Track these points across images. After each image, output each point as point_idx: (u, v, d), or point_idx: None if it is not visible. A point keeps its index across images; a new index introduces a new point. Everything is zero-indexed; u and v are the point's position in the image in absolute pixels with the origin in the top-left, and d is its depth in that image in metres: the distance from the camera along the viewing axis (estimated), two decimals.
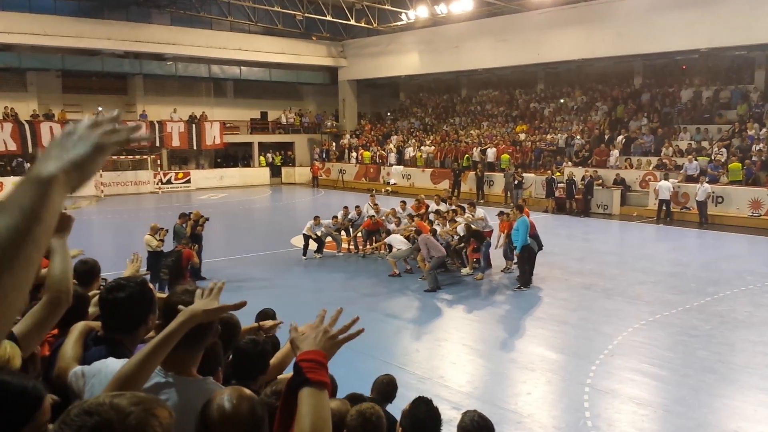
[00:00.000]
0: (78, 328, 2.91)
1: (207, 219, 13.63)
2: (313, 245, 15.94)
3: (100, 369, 2.40)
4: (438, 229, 14.32)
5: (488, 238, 14.36)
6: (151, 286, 2.90)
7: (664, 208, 21.44)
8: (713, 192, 20.76)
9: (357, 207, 17.33)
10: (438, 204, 16.95)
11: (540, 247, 13.18)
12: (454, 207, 16.05)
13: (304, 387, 1.72)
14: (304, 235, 15.92)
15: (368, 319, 10.72)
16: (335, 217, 16.57)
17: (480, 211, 15.10)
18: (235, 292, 11.73)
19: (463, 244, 14.32)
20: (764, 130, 22.73)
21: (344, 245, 16.74)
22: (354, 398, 4.33)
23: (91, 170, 1.21)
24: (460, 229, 14.26)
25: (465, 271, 14.29)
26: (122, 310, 2.71)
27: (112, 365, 2.37)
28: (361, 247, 16.61)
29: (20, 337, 2.47)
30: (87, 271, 4.59)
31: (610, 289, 12.75)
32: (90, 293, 4.24)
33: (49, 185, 1.12)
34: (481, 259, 14.09)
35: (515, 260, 13.98)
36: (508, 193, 25.52)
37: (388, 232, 15.46)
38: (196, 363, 2.38)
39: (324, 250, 16.18)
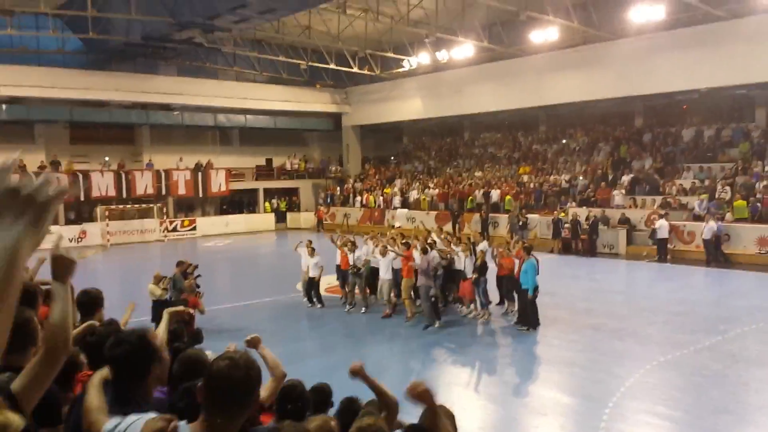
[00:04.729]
0: (95, 380, 2.89)
1: (196, 266, 13.50)
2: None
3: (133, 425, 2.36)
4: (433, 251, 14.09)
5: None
6: (152, 336, 2.88)
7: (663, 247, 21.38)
8: (720, 230, 20.61)
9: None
10: (439, 236, 16.83)
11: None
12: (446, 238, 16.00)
13: None
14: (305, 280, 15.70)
15: (375, 366, 10.59)
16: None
17: (484, 244, 15.10)
18: (237, 340, 11.68)
19: (479, 276, 13.74)
20: None
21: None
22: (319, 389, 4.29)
23: (46, 229, 1.32)
24: (469, 262, 13.95)
25: (469, 311, 14.07)
26: (123, 364, 2.73)
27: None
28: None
29: (19, 394, 2.41)
30: (88, 302, 4.58)
31: (620, 330, 12.61)
32: (89, 323, 4.25)
33: (17, 249, 1.25)
34: (480, 295, 13.77)
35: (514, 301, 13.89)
36: (513, 234, 25.47)
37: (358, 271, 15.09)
38: (234, 431, 2.34)
39: (325, 293, 15.98)
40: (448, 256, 14.20)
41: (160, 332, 4.20)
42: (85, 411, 2.72)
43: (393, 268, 14.25)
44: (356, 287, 15.26)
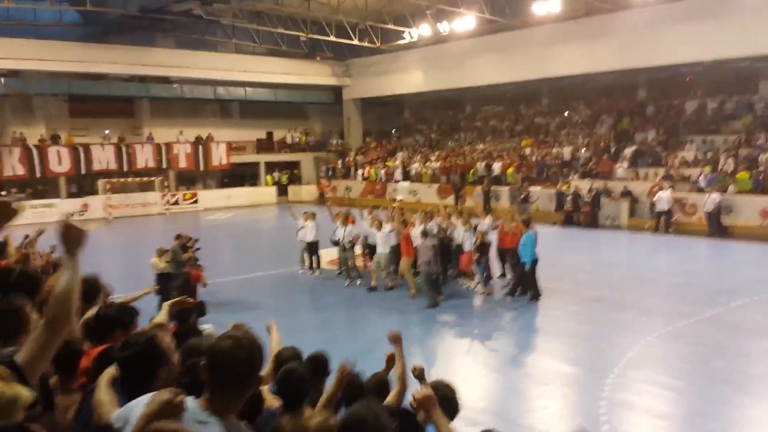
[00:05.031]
0: (105, 376, 2.93)
1: (196, 240, 13.49)
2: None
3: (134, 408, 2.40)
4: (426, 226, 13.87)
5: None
6: (160, 340, 2.88)
7: (663, 218, 21.39)
8: (722, 201, 20.56)
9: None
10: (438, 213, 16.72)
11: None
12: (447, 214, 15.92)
13: None
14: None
15: (374, 339, 10.64)
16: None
17: (488, 220, 15.03)
18: (238, 313, 11.76)
19: (480, 255, 13.72)
20: None
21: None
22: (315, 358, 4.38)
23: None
24: (468, 236, 13.96)
25: (472, 285, 14.11)
26: (131, 367, 2.74)
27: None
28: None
29: (25, 365, 2.41)
30: (86, 290, 4.49)
31: (622, 301, 12.65)
32: (90, 312, 4.21)
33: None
34: (481, 272, 13.72)
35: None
36: (515, 206, 25.42)
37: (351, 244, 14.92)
38: (237, 408, 2.39)
39: (324, 267, 16.07)
40: (447, 232, 14.20)
41: (160, 320, 4.23)
42: (96, 404, 2.76)
43: (391, 245, 14.22)
44: (348, 262, 15.05)
